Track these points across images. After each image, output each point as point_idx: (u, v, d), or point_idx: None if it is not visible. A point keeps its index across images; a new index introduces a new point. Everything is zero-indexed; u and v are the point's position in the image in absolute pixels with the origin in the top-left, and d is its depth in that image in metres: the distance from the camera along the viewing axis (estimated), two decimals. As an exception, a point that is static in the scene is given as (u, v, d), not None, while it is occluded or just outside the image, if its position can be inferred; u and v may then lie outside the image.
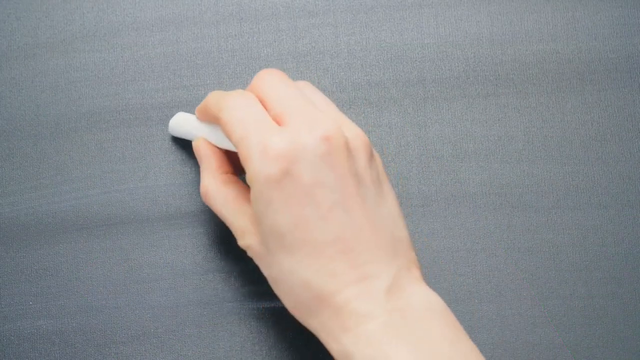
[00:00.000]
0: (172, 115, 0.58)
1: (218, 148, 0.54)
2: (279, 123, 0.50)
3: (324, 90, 0.59)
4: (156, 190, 0.58)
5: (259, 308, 0.56)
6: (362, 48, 0.59)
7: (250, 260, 0.57)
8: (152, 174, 0.58)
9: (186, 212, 0.57)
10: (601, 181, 0.58)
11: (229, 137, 0.50)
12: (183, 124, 0.57)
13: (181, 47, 0.59)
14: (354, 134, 0.50)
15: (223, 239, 0.57)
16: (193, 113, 0.57)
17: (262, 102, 0.51)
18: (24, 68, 0.59)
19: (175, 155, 0.58)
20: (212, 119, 0.53)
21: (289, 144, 0.48)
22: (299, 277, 0.48)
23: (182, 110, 0.58)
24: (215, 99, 0.52)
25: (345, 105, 0.59)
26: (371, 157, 0.50)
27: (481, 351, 0.55)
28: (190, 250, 0.57)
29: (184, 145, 0.58)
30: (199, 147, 0.55)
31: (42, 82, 0.59)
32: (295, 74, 0.59)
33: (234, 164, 0.54)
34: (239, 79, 0.59)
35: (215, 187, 0.53)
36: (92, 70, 0.59)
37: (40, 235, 0.57)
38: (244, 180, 0.54)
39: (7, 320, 0.56)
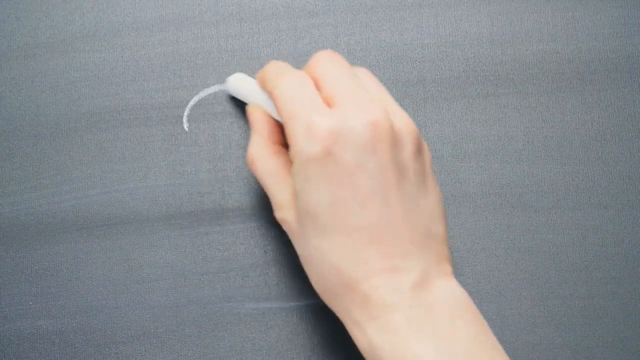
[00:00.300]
0: (172, 116, 0.58)
1: (272, 117, 0.54)
2: (329, 105, 0.50)
3: (324, 90, 0.59)
4: (156, 190, 0.58)
5: (259, 308, 0.56)
6: (362, 48, 0.59)
7: (250, 261, 0.57)
8: (152, 174, 0.58)
9: (186, 212, 0.57)
10: (601, 181, 0.58)
11: (279, 112, 0.50)
12: (243, 84, 0.57)
13: (181, 47, 0.59)
14: (403, 123, 0.50)
15: (223, 239, 0.57)
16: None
17: (315, 83, 0.51)
18: (24, 68, 0.59)
19: (175, 155, 0.58)
20: (267, 93, 0.53)
21: (334, 125, 0.48)
22: (329, 261, 0.48)
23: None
24: (272, 74, 0.52)
25: (345, 105, 0.59)
26: (419, 149, 0.50)
27: (481, 351, 0.55)
28: (190, 250, 0.57)
29: (184, 145, 0.58)
30: (253, 112, 0.54)
31: (42, 82, 0.59)
32: (295, 74, 0.59)
33: (283, 134, 0.54)
34: (239, 79, 0.59)
35: (264, 155, 0.53)
36: (92, 70, 0.59)
37: (40, 235, 0.57)
38: None
39: (7, 320, 0.56)
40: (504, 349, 0.55)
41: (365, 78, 0.52)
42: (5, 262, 0.57)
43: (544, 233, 0.57)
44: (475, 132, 0.59)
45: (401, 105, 0.59)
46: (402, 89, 0.59)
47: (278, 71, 0.52)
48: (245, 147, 0.58)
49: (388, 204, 0.48)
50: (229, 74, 0.59)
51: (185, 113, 0.59)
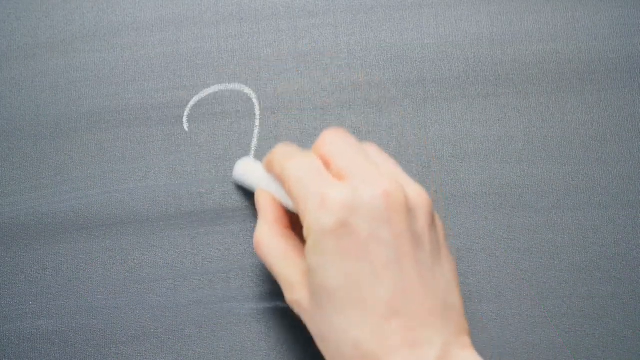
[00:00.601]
0: (172, 116, 0.58)
1: (279, 202, 0.53)
2: (339, 180, 0.49)
3: (323, 90, 0.59)
4: (156, 190, 0.58)
5: (259, 308, 0.56)
6: (362, 48, 0.59)
7: (250, 261, 0.57)
8: (152, 174, 0.58)
9: (186, 212, 0.57)
10: (601, 181, 0.58)
11: (288, 194, 0.50)
12: (248, 171, 0.56)
13: (181, 47, 0.59)
14: (417, 194, 0.49)
15: (223, 239, 0.57)
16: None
17: (324, 161, 0.50)
18: (24, 68, 0.59)
19: (175, 155, 0.58)
20: (275, 177, 0.53)
21: (348, 197, 0.47)
22: (348, 337, 0.47)
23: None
24: (280, 157, 0.52)
25: (345, 105, 0.59)
26: (432, 219, 0.50)
27: (481, 351, 0.55)
28: (190, 250, 0.57)
29: (184, 145, 0.58)
30: (260, 197, 0.54)
31: (42, 82, 0.59)
32: (295, 74, 0.59)
33: (292, 221, 0.54)
34: (239, 79, 0.59)
35: (269, 238, 0.52)
36: (92, 70, 0.59)
37: (40, 235, 0.57)
38: (300, 237, 0.53)
39: (7, 320, 0.56)
40: (504, 348, 0.55)
41: (374, 152, 0.52)
42: (5, 262, 0.57)
43: (544, 233, 0.57)
44: (475, 132, 0.59)
45: (401, 105, 0.59)
46: (402, 89, 0.59)
47: (286, 154, 0.52)
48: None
49: (404, 274, 0.47)
50: (229, 74, 0.59)
51: (185, 113, 0.59)
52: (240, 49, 0.59)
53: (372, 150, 0.52)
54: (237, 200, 0.58)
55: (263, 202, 0.54)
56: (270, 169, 0.53)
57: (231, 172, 0.58)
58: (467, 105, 0.59)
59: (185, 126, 0.58)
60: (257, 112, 0.59)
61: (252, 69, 0.59)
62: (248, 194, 0.58)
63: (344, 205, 0.47)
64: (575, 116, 0.59)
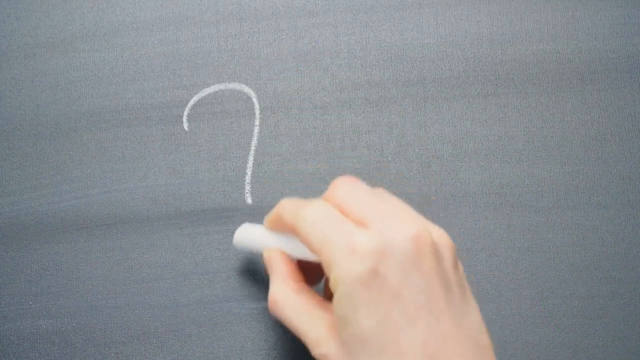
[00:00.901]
0: (172, 116, 0.58)
1: (289, 257, 0.52)
2: (361, 226, 0.48)
3: (324, 90, 0.59)
4: (156, 190, 0.58)
5: (259, 308, 0.56)
6: (362, 48, 0.59)
7: (250, 260, 0.57)
8: (152, 174, 0.58)
9: (186, 212, 0.57)
10: (601, 181, 0.58)
11: (308, 245, 0.49)
12: (250, 235, 0.54)
13: (181, 47, 0.59)
14: (439, 235, 0.49)
15: (223, 239, 0.57)
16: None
17: (340, 209, 0.49)
18: (24, 68, 0.59)
19: (175, 155, 0.58)
20: (286, 229, 0.51)
21: (377, 242, 0.46)
22: None
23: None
24: (291, 209, 0.50)
25: (345, 105, 0.59)
26: (456, 260, 0.49)
27: (481, 351, 0.55)
28: (190, 250, 0.57)
29: (184, 145, 0.58)
30: (269, 255, 0.53)
31: (42, 82, 0.59)
32: (295, 74, 0.59)
33: (305, 273, 0.53)
34: (239, 79, 0.59)
35: (286, 295, 0.51)
36: (92, 70, 0.59)
37: (40, 235, 0.57)
38: (315, 290, 0.53)
39: (7, 320, 0.56)
40: (504, 348, 0.55)
41: (389, 197, 0.51)
42: (5, 262, 0.57)
43: (544, 233, 0.57)
44: (475, 132, 0.59)
45: (401, 104, 0.59)
46: (402, 89, 0.59)
47: (296, 205, 0.50)
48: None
49: (437, 318, 0.47)
50: (229, 74, 0.59)
51: (185, 112, 0.59)
52: (240, 48, 0.59)
53: (386, 194, 0.51)
54: (237, 200, 0.58)
55: (273, 259, 0.52)
56: (278, 224, 0.52)
57: (231, 172, 0.58)
58: (467, 105, 0.59)
59: (185, 126, 0.58)
60: (257, 111, 0.59)
61: (252, 68, 0.59)
62: (248, 194, 0.58)
63: (374, 251, 0.46)
64: (575, 116, 0.59)
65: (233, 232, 0.57)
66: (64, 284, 0.57)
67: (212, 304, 0.56)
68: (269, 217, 0.53)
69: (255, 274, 0.56)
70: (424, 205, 0.58)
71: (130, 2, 0.60)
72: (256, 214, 0.57)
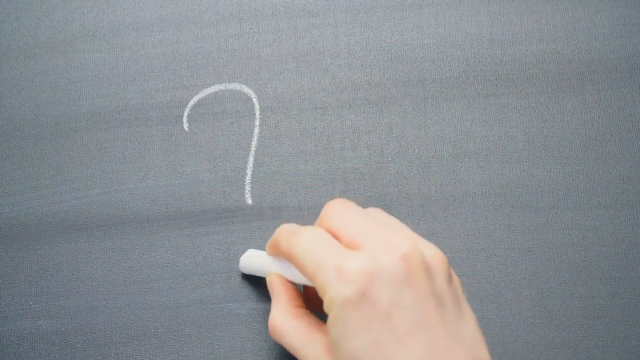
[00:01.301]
0: (172, 116, 0.58)
1: (290, 282, 0.53)
2: (353, 250, 0.49)
3: (324, 90, 0.59)
4: (156, 190, 0.58)
5: (259, 308, 0.56)
6: (362, 48, 0.59)
7: (250, 261, 0.57)
8: (152, 174, 0.58)
9: (186, 212, 0.57)
10: (601, 181, 0.58)
11: (302, 271, 0.49)
12: (254, 260, 0.56)
13: (181, 47, 0.59)
14: (432, 252, 0.49)
15: (223, 239, 0.57)
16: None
17: (332, 233, 0.50)
18: (24, 68, 0.59)
19: (175, 155, 0.58)
20: (283, 256, 0.52)
21: (367, 264, 0.47)
22: None
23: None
24: (285, 236, 0.51)
25: (345, 105, 0.59)
26: (449, 275, 0.49)
27: (481, 351, 0.55)
28: (190, 250, 0.57)
29: (184, 145, 0.58)
30: (271, 282, 0.54)
31: (42, 82, 0.59)
32: (295, 74, 0.59)
33: (307, 299, 0.54)
34: (239, 79, 0.59)
35: (284, 322, 0.52)
36: (92, 70, 0.59)
37: (40, 235, 0.57)
38: (316, 315, 0.53)
39: (7, 320, 0.56)
40: (504, 348, 0.55)
41: (382, 217, 0.52)
42: (5, 262, 0.57)
43: (544, 233, 0.57)
44: (475, 132, 0.59)
45: (401, 105, 0.59)
46: (402, 90, 0.59)
47: (290, 231, 0.51)
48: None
49: (430, 335, 0.47)
50: (229, 74, 0.59)
51: (185, 113, 0.59)
52: (240, 49, 0.59)
53: (378, 214, 0.52)
54: (237, 200, 0.58)
55: (274, 285, 0.53)
56: (275, 250, 0.53)
57: (231, 172, 0.58)
58: (467, 105, 0.59)
59: (185, 126, 0.58)
60: (257, 112, 0.59)
61: (252, 68, 0.59)
62: (248, 194, 0.58)
63: (364, 273, 0.47)
64: (575, 116, 0.59)
65: (233, 233, 0.57)
66: (64, 285, 0.57)
67: (212, 304, 0.56)
68: (268, 243, 0.54)
69: (255, 275, 0.56)
70: (424, 205, 0.58)
71: (130, 2, 0.60)
72: (256, 215, 0.57)
